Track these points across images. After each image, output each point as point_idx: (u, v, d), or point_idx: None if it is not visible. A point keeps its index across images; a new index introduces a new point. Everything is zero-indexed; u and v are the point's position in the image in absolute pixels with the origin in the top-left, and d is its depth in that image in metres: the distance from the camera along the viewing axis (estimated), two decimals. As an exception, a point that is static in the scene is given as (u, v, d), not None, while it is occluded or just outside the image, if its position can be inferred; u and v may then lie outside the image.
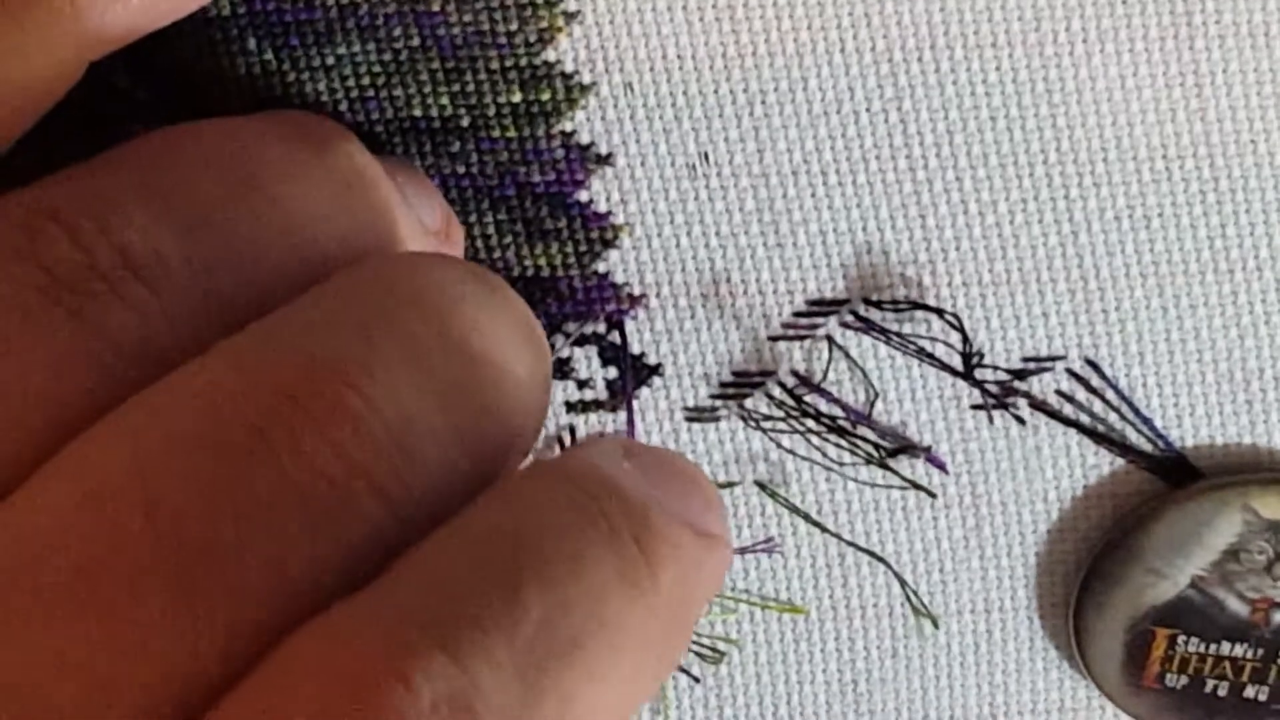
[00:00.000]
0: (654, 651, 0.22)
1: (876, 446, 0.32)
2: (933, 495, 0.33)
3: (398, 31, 0.30)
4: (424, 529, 0.21)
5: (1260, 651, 0.32)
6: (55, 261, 0.22)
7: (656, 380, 0.32)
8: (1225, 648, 0.32)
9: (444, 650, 0.20)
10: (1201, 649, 0.32)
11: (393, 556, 0.21)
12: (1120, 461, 0.32)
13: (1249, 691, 0.33)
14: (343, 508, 0.21)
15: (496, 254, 0.31)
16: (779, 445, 0.32)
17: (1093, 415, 0.32)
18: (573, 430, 0.32)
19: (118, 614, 0.19)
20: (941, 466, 0.32)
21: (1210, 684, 0.33)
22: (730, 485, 0.33)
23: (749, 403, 0.32)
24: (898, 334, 0.32)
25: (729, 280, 0.32)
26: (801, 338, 0.32)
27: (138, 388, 0.21)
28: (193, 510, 0.20)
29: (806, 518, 0.33)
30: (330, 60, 0.30)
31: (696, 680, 0.34)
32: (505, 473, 0.23)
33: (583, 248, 0.31)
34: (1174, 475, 0.32)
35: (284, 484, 0.21)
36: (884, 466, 0.32)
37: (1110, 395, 0.32)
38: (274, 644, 0.20)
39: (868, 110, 0.31)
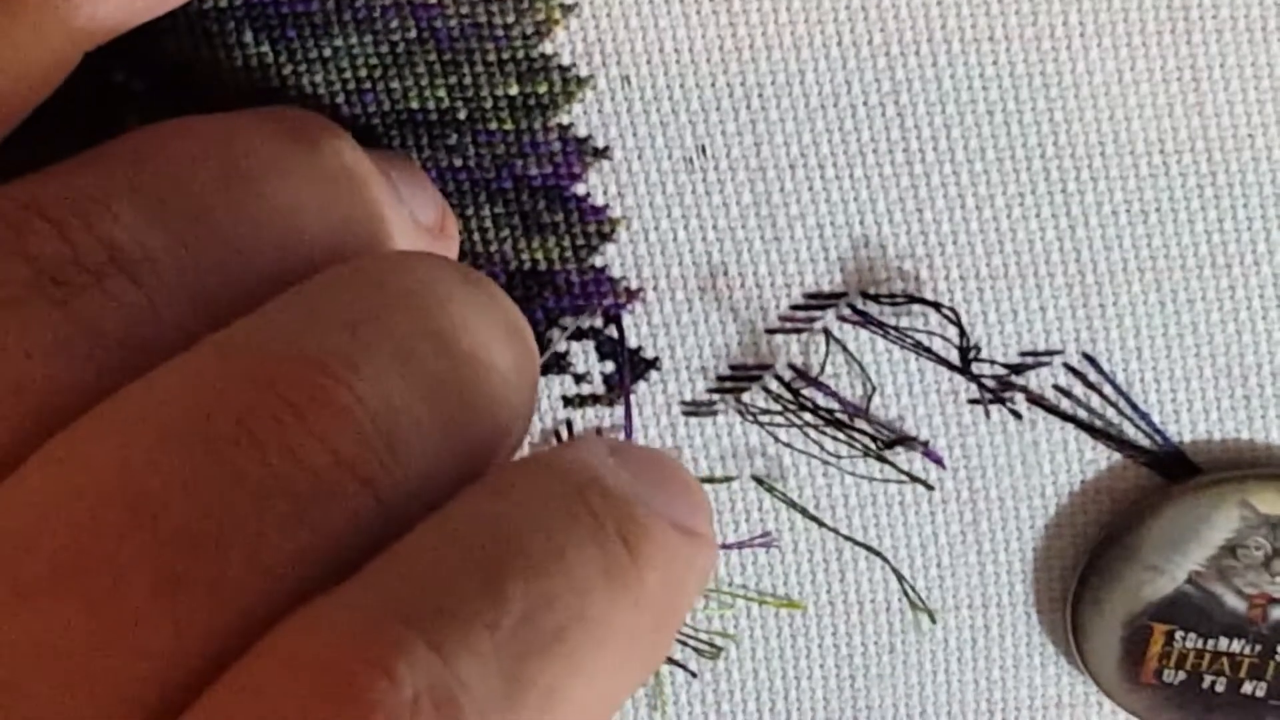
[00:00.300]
0: (638, 647, 0.22)
1: (874, 440, 0.32)
2: (930, 488, 0.32)
3: (395, 23, 0.30)
4: (409, 523, 0.21)
5: (1258, 647, 0.32)
6: (40, 255, 0.22)
7: (654, 374, 0.32)
8: (1223, 643, 0.32)
9: (427, 641, 0.20)
10: (1199, 645, 0.32)
11: (378, 549, 0.21)
12: (1118, 456, 0.32)
13: (1247, 687, 0.33)
14: (328, 499, 0.21)
15: (493, 247, 0.31)
16: (776, 439, 0.32)
17: (1090, 410, 0.32)
18: (570, 424, 0.32)
19: (100, 605, 0.19)
20: (939, 461, 0.32)
21: (1208, 680, 0.33)
22: (728, 480, 0.32)
23: (746, 396, 0.32)
24: (895, 328, 0.32)
25: (726, 274, 0.31)
26: (799, 331, 0.32)
27: (124, 381, 0.21)
28: (177, 502, 0.20)
29: (804, 512, 0.33)
30: (327, 52, 0.30)
31: (694, 675, 0.34)
32: (491, 467, 0.23)
33: (580, 241, 0.31)
34: (1172, 470, 0.32)
35: (269, 476, 0.21)
36: (881, 460, 0.32)
37: (1108, 390, 0.32)
38: (258, 636, 0.20)
39: (865, 104, 0.31)
